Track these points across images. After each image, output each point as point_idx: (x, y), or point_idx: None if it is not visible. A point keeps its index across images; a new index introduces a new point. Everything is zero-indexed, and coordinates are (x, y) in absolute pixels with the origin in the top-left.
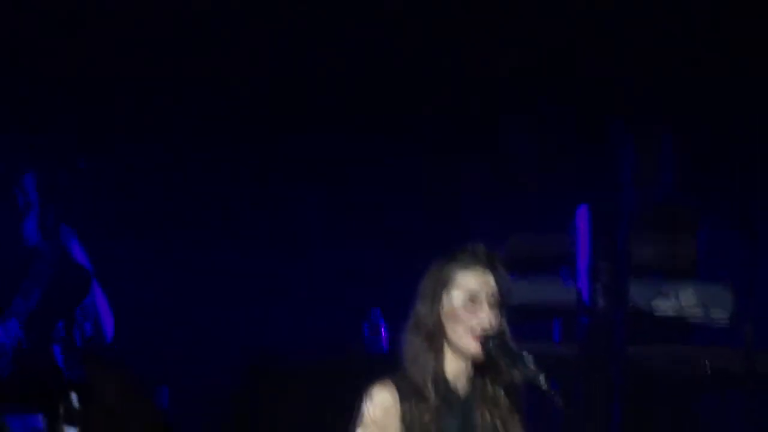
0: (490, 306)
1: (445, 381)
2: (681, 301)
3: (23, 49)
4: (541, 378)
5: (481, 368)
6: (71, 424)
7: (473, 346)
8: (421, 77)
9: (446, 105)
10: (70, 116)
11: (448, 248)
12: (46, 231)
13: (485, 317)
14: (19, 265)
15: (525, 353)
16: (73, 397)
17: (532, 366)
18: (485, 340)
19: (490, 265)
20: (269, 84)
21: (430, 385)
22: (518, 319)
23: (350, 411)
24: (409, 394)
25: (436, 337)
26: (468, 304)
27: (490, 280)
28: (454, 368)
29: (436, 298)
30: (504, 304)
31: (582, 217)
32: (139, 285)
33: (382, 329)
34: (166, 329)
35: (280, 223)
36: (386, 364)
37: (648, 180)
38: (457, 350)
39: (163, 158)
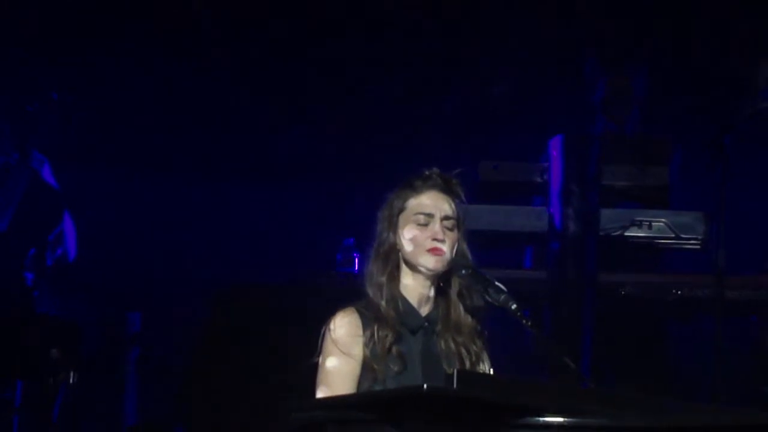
0: (445, 227)
1: (407, 304)
2: (653, 229)
3: None
4: (512, 305)
5: (443, 291)
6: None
7: (430, 261)
8: (400, 9)
9: (422, 37)
10: (43, 44)
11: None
12: (16, 155)
13: (439, 233)
14: None
15: (496, 281)
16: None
17: (503, 293)
18: (456, 267)
19: (446, 189)
20: (237, 17)
21: (384, 303)
22: (489, 245)
23: (320, 330)
24: (371, 320)
25: (392, 259)
26: (423, 223)
27: (444, 202)
28: (417, 294)
29: (392, 223)
30: (461, 227)
31: (556, 145)
32: (112, 212)
33: (356, 259)
34: (139, 255)
35: (257, 149)
36: (356, 284)
37: (620, 110)
38: (416, 269)
39: (133, 85)
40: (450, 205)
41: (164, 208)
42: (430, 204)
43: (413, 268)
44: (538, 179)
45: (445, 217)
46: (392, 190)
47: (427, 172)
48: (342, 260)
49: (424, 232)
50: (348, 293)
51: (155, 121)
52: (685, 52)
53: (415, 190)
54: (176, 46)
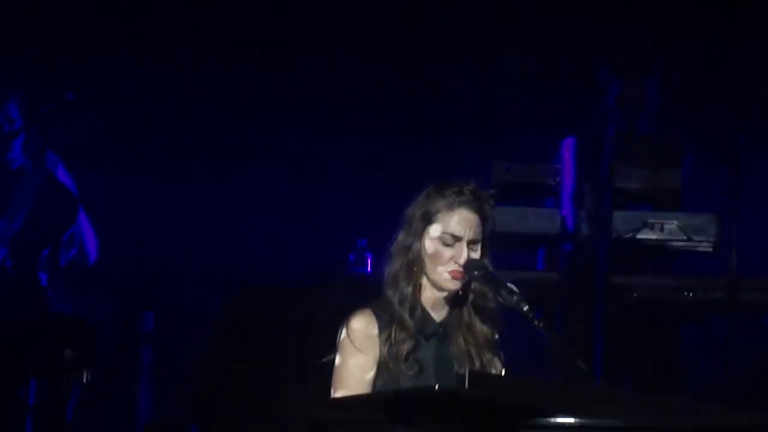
0: (471, 247)
1: (423, 310)
2: (665, 231)
3: None
4: (524, 306)
5: (458, 296)
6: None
7: (450, 283)
8: (411, 11)
9: (435, 37)
10: (57, 43)
11: (440, 179)
12: (31, 156)
13: (463, 257)
14: (4, 189)
15: (509, 283)
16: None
17: (515, 294)
18: (469, 268)
19: (477, 206)
20: (258, 16)
21: (407, 313)
22: (501, 247)
23: (334, 331)
24: (388, 322)
25: (415, 268)
26: (449, 243)
27: (475, 221)
28: (432, 297)
29: (418, 231)
30: (486, 242)
31: (568, 147)
32: (123, 211)
33: (368, 260)
34: (150, 254)
35: (269, 149)
36: (370, 285)
37: (633, 112)
38: (435, 284)
39: (147, 83)
40: (479, 227)
41: (177, 208)
42: (460, 227)
43: (431, 280)
44: (551, 181)
45: (472, 241)
46: (422, 192)
47: (462, 187)
48: (355, 260)
49: (448, 251)
50: (361, 293)
51: (168, 120)
52: (698, 53)
53: (447, 204)
54: (189, 46)
